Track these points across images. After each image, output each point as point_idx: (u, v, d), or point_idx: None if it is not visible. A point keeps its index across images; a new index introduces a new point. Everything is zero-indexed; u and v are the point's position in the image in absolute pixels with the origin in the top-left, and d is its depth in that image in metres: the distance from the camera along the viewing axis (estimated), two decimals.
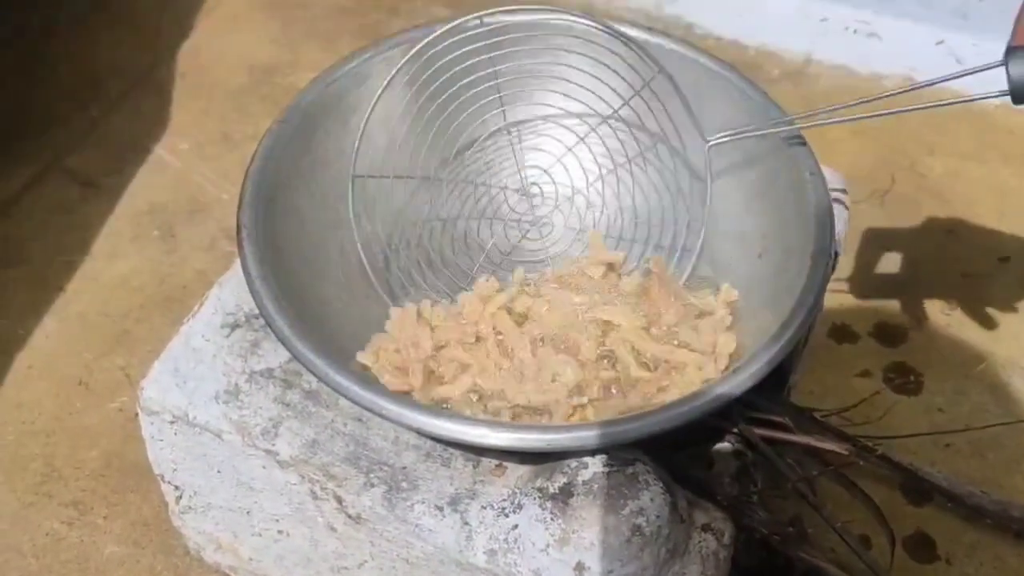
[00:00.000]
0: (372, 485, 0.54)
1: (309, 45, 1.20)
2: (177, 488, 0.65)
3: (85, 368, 0.86)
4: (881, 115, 0.58)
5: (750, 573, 0.63)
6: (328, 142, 0.64)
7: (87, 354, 0.87)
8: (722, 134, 0.62)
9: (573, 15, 0.64)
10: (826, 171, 0.63)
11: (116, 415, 0.82)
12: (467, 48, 0.64)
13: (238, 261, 0.60)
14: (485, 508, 0.53)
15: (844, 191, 0.70)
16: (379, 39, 0.67)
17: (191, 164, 1.05)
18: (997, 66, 0.51)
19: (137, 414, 0.63)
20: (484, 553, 0.52)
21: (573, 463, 0.52)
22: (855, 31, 1.15)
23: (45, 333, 0.89)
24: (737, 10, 1.20)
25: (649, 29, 0.67)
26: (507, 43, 0.66)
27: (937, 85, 0.56)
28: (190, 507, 0.66)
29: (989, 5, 1.10)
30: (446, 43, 0.63)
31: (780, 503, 0.72)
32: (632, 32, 0.66)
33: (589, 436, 0.50)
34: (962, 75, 0.54)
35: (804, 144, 0.62)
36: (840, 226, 0.68)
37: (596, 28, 0.63)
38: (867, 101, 0.58)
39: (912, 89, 0.58)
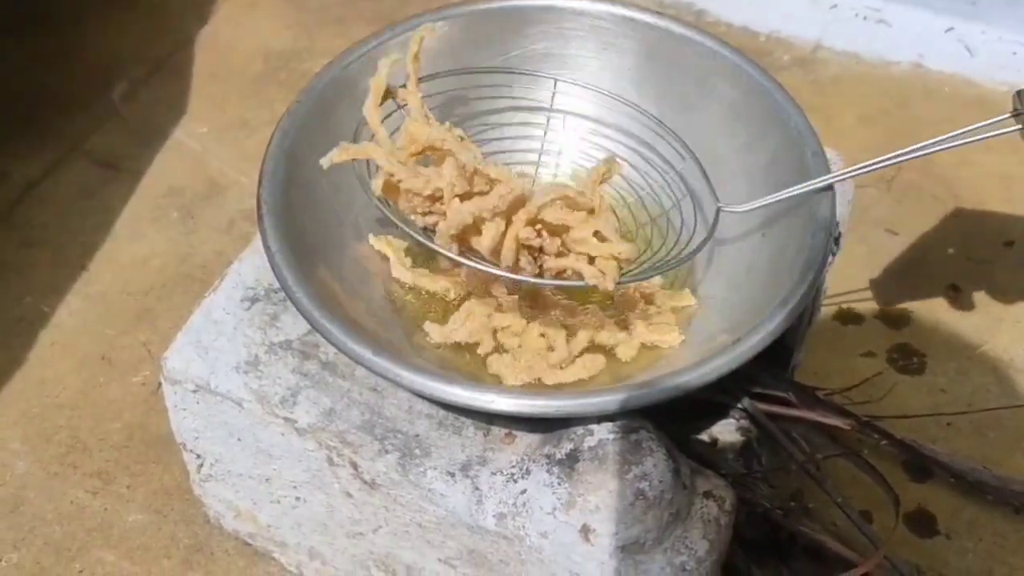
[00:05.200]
0: (386, 452, 0.56)
1: (324, 31, 1.22)
2: (199, 456, 0.67)
3: (108, 344, 0.88)
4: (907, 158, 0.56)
5: (753, 546, 0.64)
6: (343, 124, 0.66)
7: (109, 331, 0.89)
8: (737, 206, 0.61)
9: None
10: (831, 153, 0.64)
11: (139, 389, 0.85)
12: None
13: (257, 239, 0.62)
14: (495, 474, 0.55)
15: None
16: (394, 23, 0.69)
17: (209, 148, 1.07)
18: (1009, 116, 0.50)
19: (159, 386, 0.65)
20: (494, 517, 0.54)
21: (580, 430, 0.54)
22: (865, 17, 1.16)
23: (68, 311, 0.91)
24: None
25: (659, 14, 0.69)
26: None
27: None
28: (211, 475, 0.68)
29: None
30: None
31: (783, 478, 0.73)
32: (641, 17, 0.68)
33: (596, 402, 0.52)
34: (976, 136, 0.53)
35: (808, 126, 0.63)
36: (844, 208, 0.69)
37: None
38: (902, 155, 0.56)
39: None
